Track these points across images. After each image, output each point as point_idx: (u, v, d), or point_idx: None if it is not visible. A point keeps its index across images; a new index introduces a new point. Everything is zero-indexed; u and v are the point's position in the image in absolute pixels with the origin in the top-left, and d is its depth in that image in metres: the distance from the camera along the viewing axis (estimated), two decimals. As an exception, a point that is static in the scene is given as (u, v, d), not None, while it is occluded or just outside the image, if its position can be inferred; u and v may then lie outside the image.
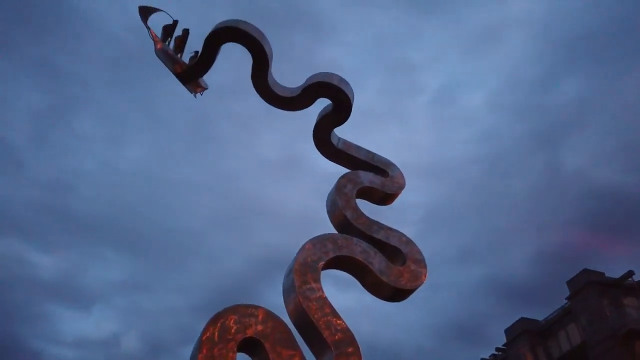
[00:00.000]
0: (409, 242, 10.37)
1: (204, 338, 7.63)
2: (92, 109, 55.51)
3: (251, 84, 10.89)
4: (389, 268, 9.74)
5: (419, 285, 9.85)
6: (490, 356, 37.87)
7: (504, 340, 36.17)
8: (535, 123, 74.96)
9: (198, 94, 11.47)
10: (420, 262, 10.14)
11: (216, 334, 7.77)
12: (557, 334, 33.99)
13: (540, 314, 37.72)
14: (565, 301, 34.68)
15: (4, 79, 48.41)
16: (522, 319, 35.94)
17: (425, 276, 10.01)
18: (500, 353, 37.08)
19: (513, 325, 36.16)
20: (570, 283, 34.44)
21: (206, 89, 11.55)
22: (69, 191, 54.94)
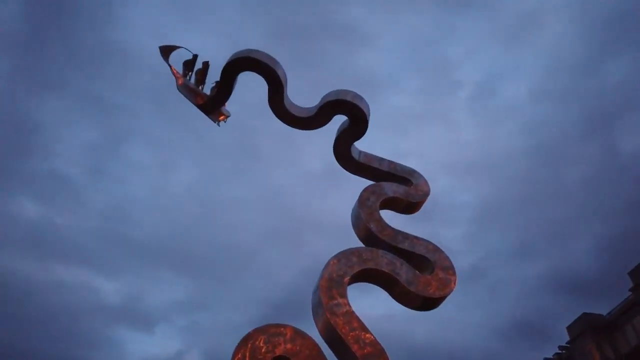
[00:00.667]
0: (436, 249, 10.32)
1: None
2: (142, 138, 58.40)
3: (269, 108, 11.29)
4: (416, 277, 9.75)
5: (448, 293, 9.78)
6: (554, 355, 36.22)
7: (567, 338, 34.54)
8: (584, 108, 71.49)
9: (221, 122, 11.99)
10: (449, 269, 10.07)
11: (247, 355, 8.10)
12: (623, 328, 32.07)
13: (602, 308, 35.48)
14: (629, 293, 32.73)
15: (59, 117, 52.01)
16: (585, 315, 34.15)
17: (454, 283, 9.93)
18: (564, 352, 35.39)
19: (575, 321, 34.44)
20: (632, 273, 32.50)
21: (228, 116, 12.05)
22: (126, 218, 57.82)
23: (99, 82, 51.53)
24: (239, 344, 8.19)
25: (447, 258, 10.22)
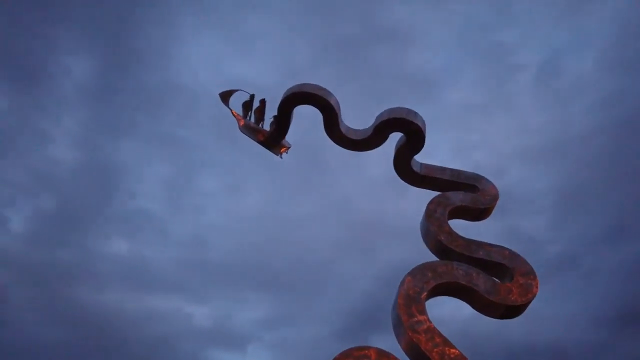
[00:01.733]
0: (513, 255, 10.13)
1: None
2: (211, 168, 61.24)
3: (327, 135, 11.68)
4: (495, 286, 9.63)
5: (531, 299, 9.56)
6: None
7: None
8: (665, 72, 65.36)
9: (283, 154, 12.56)
10: (529, 273, 9.85)
11: (336, 379, 8.42)
12: None
13: None
14: None
15: (136, 158, 55.98)
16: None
17: (537, 287, 9.69)
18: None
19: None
20: None
21: (289, 147, 12.60)
22: (206, 245, 60.58)
23: (167, 120, 54.83)
24: (326, 369, 8.53)
25: (525, 262, 10.00)
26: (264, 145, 12.21)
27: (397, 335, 9.31)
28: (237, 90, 12.65)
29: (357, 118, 11.92)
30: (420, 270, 9.67)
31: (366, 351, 8.66)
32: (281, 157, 12.33)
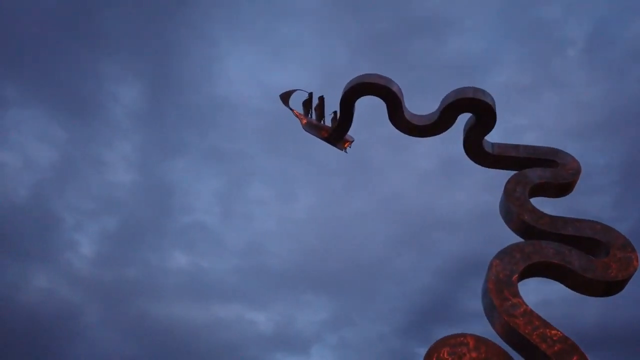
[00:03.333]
0: (605, 228, 9.56)
1: (425, 374, 8.13)
2: (260, 177, 62.29)
3: (391, 124, 11.50)
4: (591, 263, 9.11)
5: (632, 272, 8.97)
6: None
7: None
8: None
9: (347, 148, 12.47)
10: (627, 246, 9.25)
11: (435, 369, 8.20)
12: None
13: None
14: None
15: (188, 174, 57.77)
16: None
17: (637, 261, 9.09)
18: None
19: None
20: None
21: (353, 141, 12.50)
22: (262, 252, 61.57)
23: (213, 135, 56.24)
24: (424, 357, 8.33)
25: (621, 235, 9.42)
26: (328, 141, 12.16)
27: (491, 320, 8.98)
28: (295, 90, 12.70)
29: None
30: (507, 253, 9.29)
31: (463, 338, 8.40)
32: (346, 152, 12.25)
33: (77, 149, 53.11)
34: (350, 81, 11.19)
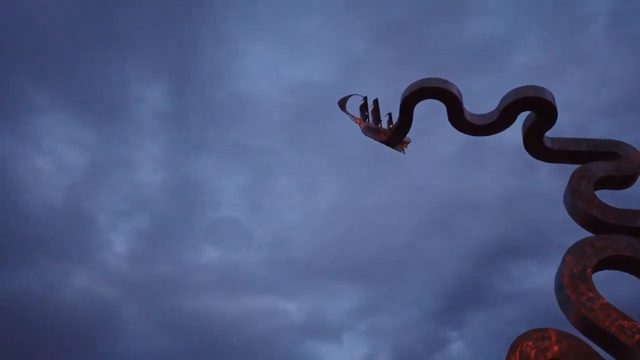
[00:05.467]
0: (676, 221, 9.75)
1: (511, 369, 8.51)
2: (284, 170, 62.89)
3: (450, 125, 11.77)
4: (662, 254, 9.34)
5: None
6: None
7: None
8: None
9: (405, 149, 12.79)
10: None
11: (520, 363, 8.57)
12: None
13: None
14: None
15: (214, 171, 58.60)
16: None
17: None
18: None
19: None
20: None
21: (410, 142, 12.81)
22: (290, 244, 62.38)
23: (236, 131, 56.90)
24: (509, 352, 8.68)
25: None
26: (386, 144, 12.48)
27: (567, 314, 9.27)
28: (351, 96, 12.99)
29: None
30: (578, 248, 9.55)
31: (544, 332, 8.73)
32: (404, 153, 12.55)
33: (106, 151, 54.31)
34: (410, 86, 11.43)
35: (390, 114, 12.64)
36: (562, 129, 11.91)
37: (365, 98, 12.98)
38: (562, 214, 10.87)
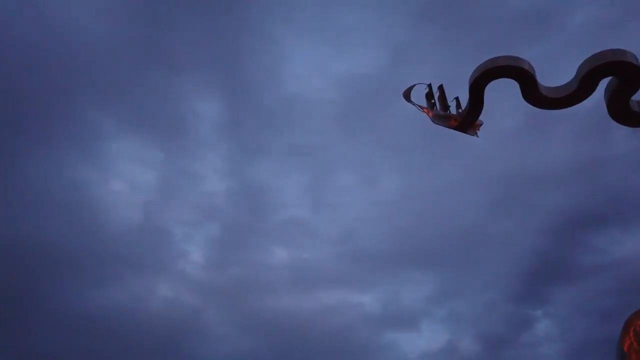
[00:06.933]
0: None
1: (626, 349, 8.19)
2: (343, 165, 63.25)
3: (526, 103, 11.33)
4: None
5: None
6: None
7: None
8: None
9: (478, 132, 12.48)
10: None
11: (634, 340, 8.24)
12: None
13: None
14: None
15: (276, 174, 60.03)
16: None
17: None
18: None
19: None
20: None
21: (482, 124, 12.48)
22: (356, 236, 62.69)
23: (291, 132, 57.87)
24: (621, 331, 8.39)
25: None
26: (458, 130, 12.24)
27: None
28: (415, 85, 12.86)
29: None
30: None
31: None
32: (477, 136, 12.27)
33: (173, 167, 57.07)
34: (478, 68, 11.15)
35: (457, 98, 12.39)
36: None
37: (429, 85, 12.80)
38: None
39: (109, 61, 48.59)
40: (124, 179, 54.22)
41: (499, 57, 10.93)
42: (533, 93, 11.10)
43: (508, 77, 10.99)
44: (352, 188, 61.65)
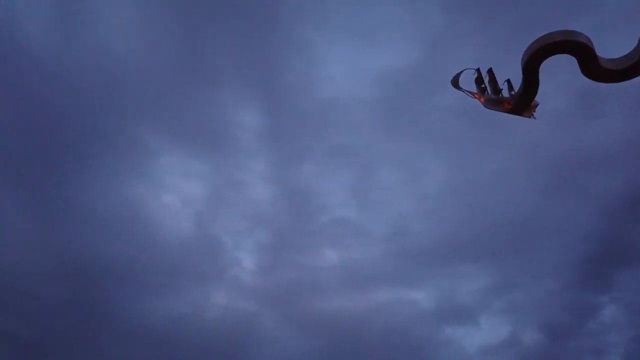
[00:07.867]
0: None
1: None
2: (386, 162, 62.77)
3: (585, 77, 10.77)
4: None
5: None
6: None
7: None
8: None
9: (534, 113, 11.98)
10: None
11: None
12: None
13: None
14: None
15: (321, 177, 60.38)
16: None
17: None
18: None
19: None
20: None
21: (538, 104, 11.98)
22: (405, 233, 61.79)
23: (331, 133, 58.06)
24: None
25: None
26: (512, 113, 11.80)
27: None
28: (462, 72, 12.52)
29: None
30: None
31: None
32: (534, 117, 11.77)
33: (220, 178, 58.46)
34: (530, 47, 10.69)
35: (509, 80, 11.95)
36: None
37: (477, 70, 12.42)
38: None
39: (150, 78, 50.40)
40: (175, 192, 56.03)
41: (552, 33, 10.44)
42: (593, 66, 10.54)
43: (565, 53, 10.49)
44: (398, 184, 60.86)
